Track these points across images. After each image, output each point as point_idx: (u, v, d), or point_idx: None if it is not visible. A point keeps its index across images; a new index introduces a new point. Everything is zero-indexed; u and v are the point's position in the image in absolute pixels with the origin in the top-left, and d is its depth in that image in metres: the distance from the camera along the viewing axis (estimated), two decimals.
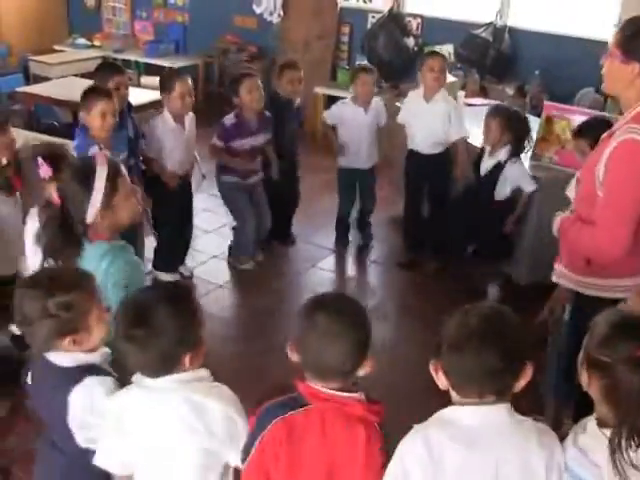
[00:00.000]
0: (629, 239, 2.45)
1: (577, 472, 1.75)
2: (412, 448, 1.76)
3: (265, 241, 5.26)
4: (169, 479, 1.99)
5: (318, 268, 5.16)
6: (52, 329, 2.00)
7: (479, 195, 4.42)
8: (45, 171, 2.60)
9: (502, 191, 4.33)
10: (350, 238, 5.52)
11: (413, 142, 4.92)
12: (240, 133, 4.68)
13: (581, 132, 3.66)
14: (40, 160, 2.65)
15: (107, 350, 2.12)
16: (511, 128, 4.27)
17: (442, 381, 1.79)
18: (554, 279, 2.93)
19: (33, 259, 2.60)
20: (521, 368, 1.74)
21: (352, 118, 5.06)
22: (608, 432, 1.72)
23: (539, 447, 1.76)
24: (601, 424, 1.77)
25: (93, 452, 2.04)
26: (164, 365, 1.91)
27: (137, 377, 1.96)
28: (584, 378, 1.83)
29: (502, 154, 4.32)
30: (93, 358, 2.08)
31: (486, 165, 4.39)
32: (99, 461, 2.02)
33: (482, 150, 4.47)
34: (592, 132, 3.44)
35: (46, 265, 2.38)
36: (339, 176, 5.34)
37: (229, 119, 4.70)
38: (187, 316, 1.92)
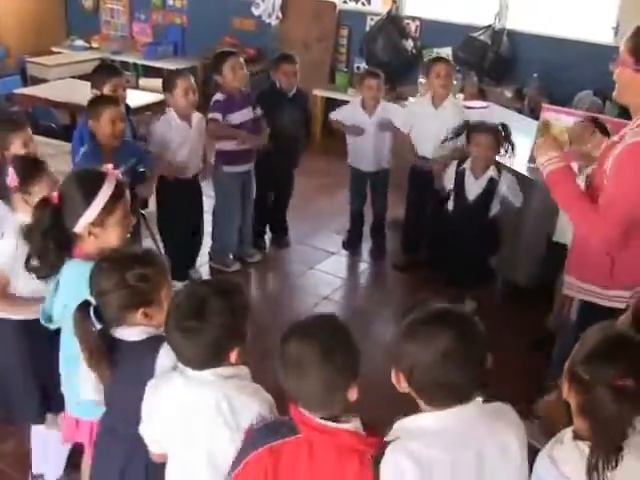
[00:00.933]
0: (621, 238, 2.51)
1: (540, 473, 1.78)
2: (401, 466, 1.71)
3: (261, 237, 5.33)
4: (199, 469, 2.01)
5: (316, 270, 5.15)
6: (128, 299, 2.12)
7: (472, 218, 4.28)
8: (12, 179, 2.68)
9: (494, 207, 4.25)
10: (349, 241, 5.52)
11: (422, 149, 4.86)
12: (231, 107, 4.69)
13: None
14: (10, 169, 2.73)
15: None
16: (497, 142, 4.15)
17: (404, 387, 1.79)
18: (566, 292, 2.91)
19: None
20: (481, 370, 1.75)
21: (358, 122, 5.07)
22: (582, 444, 1.73)
23: (507, 427, 1.80)
24: (576, 436, 1.77)
25: None
26: (213, 357, 1.96)
27: (181, 366, 2.00)
28: (565, 387, 1.82)
29: (491, 171, 4.19)
30: (161, 332, 2.14)
31: (475, 189, 4.23)
32: (141, 430, 2.08)
33: (461, 173, 4.28)
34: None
35: (32, 262, 2.41)
36: (351, 176, 5.37)
37: (218, 96, 4.71)
38: (238, 310, 1.98)
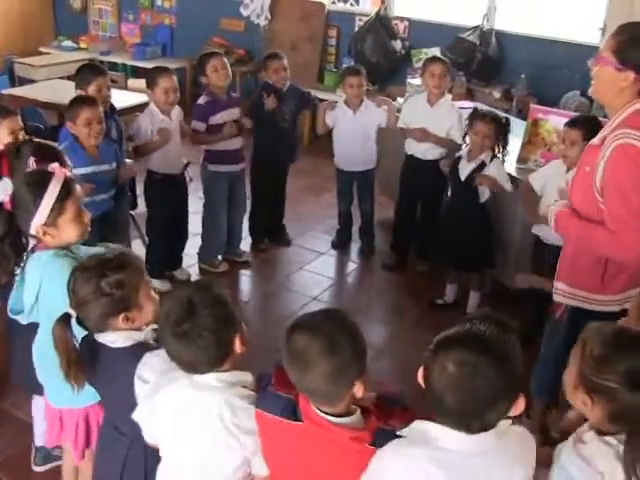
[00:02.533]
0: None
1: (574, 475, 1.73)
2: (393, 470, 1.69)
3: (261, 237, 5.37)
4: (188, 469, 2.02)
5: (305, 271, 5.15)
6: (107, 307, 2.11)
7: (464, 201, 4.43)
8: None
9: (485, 192, 4.34)
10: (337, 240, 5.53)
11: (410, 147, 4.92)
12: (214, 109, 4.75)
13: (575, 123, 3.66)
14: None
15: (153, 326, 2.18)
16: (495, 133, 4.26)
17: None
18: (556, 298, 2.90)
19: None
20: (513, 401, 1.66)
21: (343, 121, 5.09)
22: (609, 439, 1.72)
23: (520, 459, 1.74)
24: (600, 432, 1.75)
25: None
26: (217, 351, 1.92)
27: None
28: (582, 400, 1.77)
29: (484, 156, 4.30)
30: (143, 335, 2.17)
31: (466, 170, 4.36)
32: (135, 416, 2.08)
33: (458, 158, 4.46)
34: (586, 125, 3.50)
35: None
36: (337, 177, 5.39)
37: (202, 99, 4.79)
38: (226, 299, 1.97)
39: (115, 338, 2.16)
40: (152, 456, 2.13)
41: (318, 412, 1.80)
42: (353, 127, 5.08)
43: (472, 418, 1.64)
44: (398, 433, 1.73)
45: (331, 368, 1.72)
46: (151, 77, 4.50)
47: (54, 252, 2.40)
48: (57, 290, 2.26)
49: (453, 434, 1.66)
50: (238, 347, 1.95)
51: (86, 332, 2.21)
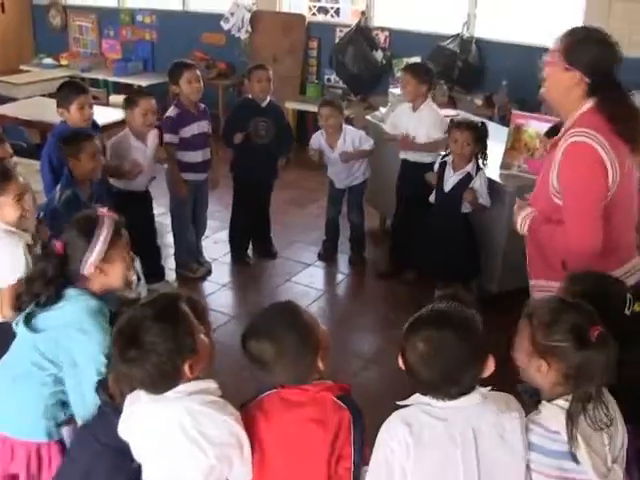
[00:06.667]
0: (600, 230, 2.57)
1: (541, 444, 1.91)
2: (395, 430, 1.87)
3: (245, 250, 5.39)
4: None
5: (293, 282, 5.14)
6: None
7: (448, 210, 4.44)
8: None
9: (465, 206, 4.39)
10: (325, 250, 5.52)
11: (404, 152, 4.98)
12: (184, 121, 4.75)
13: (554, 131, 3.70)
14: None
15: None
16: (474, 139, 4.30)
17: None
18: (535, 294, 2.93)
19: None
20: (482, 364, 1.88)
21: (327, 151, 5.15)
22: (559, 401, 1.92)
23: (509, 412, 1.91)
24: (550, 400, 1.95)
25: None
26: (164, 379, 1.94)
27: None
28: (537, 367, 1.95)
29: (470, 167, 4.33)
30: None
31: (451, 181, 4.39)
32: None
33: (442, 165, 4.47)
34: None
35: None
36: (329, 187, 5.42)
37: (171, 111, 4.79)
38: (179, 325, 1.95)
39: None
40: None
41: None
42: (334, 160, 5.13)
43: (449, 386, 1.85)
44: (399, 403, 1.93)
45: (287, 361, 1.98)
46: (131, 99, 4.51)
47: (89, 296, 2.39)
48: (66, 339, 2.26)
49: (440, 402, 1.88)
50: (188, 373, 1.94)
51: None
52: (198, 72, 4.78)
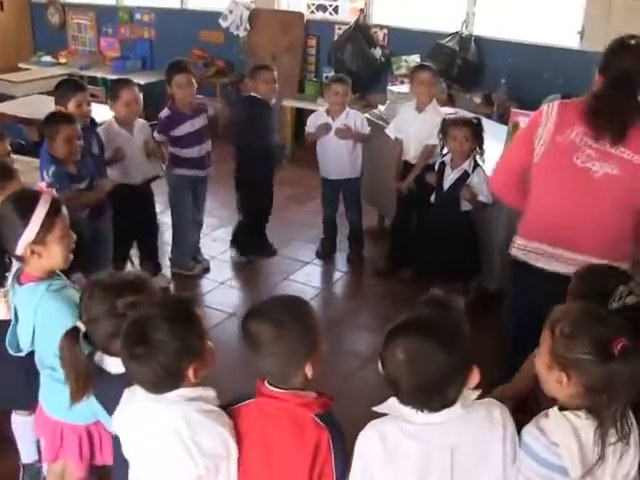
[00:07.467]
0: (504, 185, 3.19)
1: (537, 452, 1.84)
2: (369, 444, 1.84)
3: (245, 247, 5.35)
4: None
5: (291, 281, 5.14)
6: (118, 328, 2.04)
7: (447, 210, 4.46)
8: None
9: (464, 204, 4.39)
10: (323, 248, 5.51)
11: (407, 154, 4.96)
12: (176, 122, 4.76)
13: None
14: None
15: None
16: (472, 135, 4.32)
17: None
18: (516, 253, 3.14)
19: None
20: (466, 375, 1.79)
21: (327, 122, 5.11)
22: (570, 414, 1.84)
23: (490, 424, 1.85)
24: (562, 409, 1.86)
25: None
26: (168, 379, 1.92)
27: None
28: (557, 379, 1.86)
29: (466, 164, 4.35)
30: None
31: (449, 179, 4.41)
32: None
33: (441, 164, 4.49)
34: None
35: None
36: (322, 185, 5.40)
37: (163, 113, 4.81)
38: (188, 327, 1.94)
39: (113, 362, 2.14)
40: None
41: (270, 387, 1.93)
42: (332, 133, 5.09)
43: (430, 397, 1.78)
44: (376, 409, 1.85)
45: (280, 350, 1.88)
46: (113, 89, 4.52)
47: (46, 286, 2.40)
48: (53, 331, 2.22)
49: (418, 413, 1.80)
50: (192, 377, 1.93)
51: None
52: (190, 76, 4.76)
